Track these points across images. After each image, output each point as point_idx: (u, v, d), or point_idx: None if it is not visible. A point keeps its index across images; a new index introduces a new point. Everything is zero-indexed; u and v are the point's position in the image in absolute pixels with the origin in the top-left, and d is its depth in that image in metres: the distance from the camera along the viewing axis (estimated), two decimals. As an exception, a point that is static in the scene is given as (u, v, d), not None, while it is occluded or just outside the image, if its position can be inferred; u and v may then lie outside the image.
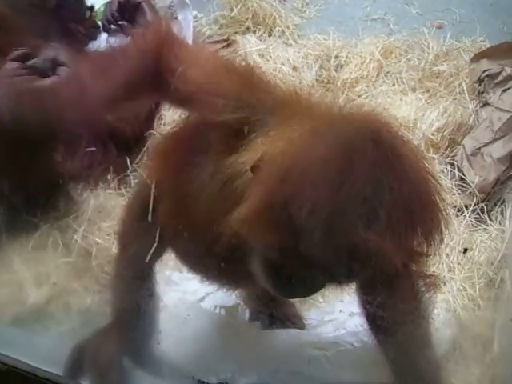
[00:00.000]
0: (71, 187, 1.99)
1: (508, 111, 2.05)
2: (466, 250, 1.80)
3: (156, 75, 1.18)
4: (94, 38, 2.39)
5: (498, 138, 2.01)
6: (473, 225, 1.89)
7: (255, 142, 1.07)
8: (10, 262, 1.72)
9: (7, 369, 1.20)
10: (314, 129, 1.02)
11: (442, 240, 1.05)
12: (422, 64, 2.40)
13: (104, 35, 2.43)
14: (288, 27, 2.59)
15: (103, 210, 1.89)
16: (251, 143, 1.07)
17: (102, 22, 2.44)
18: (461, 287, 1.71)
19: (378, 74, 2.42)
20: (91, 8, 2.41)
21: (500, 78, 2.17)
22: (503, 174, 1.96)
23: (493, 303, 1.68)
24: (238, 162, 1.07)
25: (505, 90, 2.12)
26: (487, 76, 2.20)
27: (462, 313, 1.67)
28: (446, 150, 2.09)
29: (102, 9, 2.46)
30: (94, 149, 2.04)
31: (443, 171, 2.02)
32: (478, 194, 1.93)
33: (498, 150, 1.98)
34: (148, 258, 1.27)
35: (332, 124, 1.03)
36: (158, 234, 1.27)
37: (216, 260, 1.18)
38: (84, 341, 1.36)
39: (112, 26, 2.44)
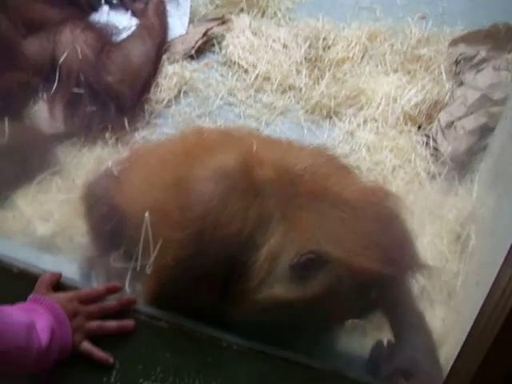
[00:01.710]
0: (72, 142, 2.14)
1: (481, 89, 2.21)
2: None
3: None
4: (96, 9, 2.53)
5: (471, 113, 2.17)
6: (444, 190, 2.05)
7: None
8: (16, 204, 1.85)
9: (19, 271, 1.33)
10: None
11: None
12: (405, 48, 2.55)
13: (106, 8, 2.56)
14: (280, 10, 2.74)
15: (101, 163, 2.01)
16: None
17: (105, -5, 2.58)
18: (430, 241, 1.86)
19: (362, 56, 2.57)
20: (95, -19, 2.55)
21: (475, 60, 2.33)
22: (474, 145, 2.12)
23: (459, 255, 1.84)
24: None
25: (479, 71, 2.29)
26: (464, 58, 2.36)
27: (430, 264, 1.82)
28: (422, 123, 2.25)
29: (105, -18, 2.59)
30: (95, 109, 2.18)
31: (419, 142, 2.18)
32: (450, 162, 2.09)
33: (470, 123, 2.14)
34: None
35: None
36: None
37: None
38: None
39: (114, 0, 2.58)
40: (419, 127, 2.17)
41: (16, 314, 1.09)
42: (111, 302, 1.28)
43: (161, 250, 1.24)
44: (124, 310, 1.28)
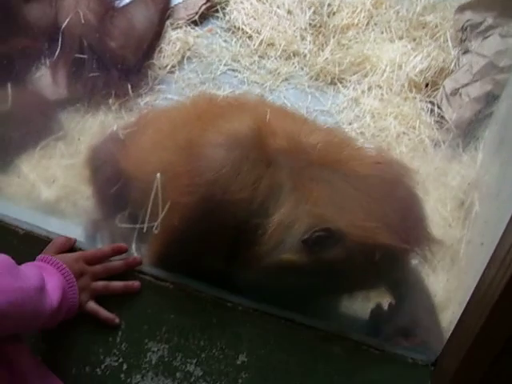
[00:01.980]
0: (75, 108, 2.13)
1: (487, 56, 2.19)
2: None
3: None
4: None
5: (476, 80, 2.15)
6: (448, 157, 2.04)
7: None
8: (20, 169, 1.86)
9: (24, 233, 1.34)
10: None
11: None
12: (410, 15, 2.52)
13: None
14: (284, -25, 2.70)
15: (104, 128, 2.01)
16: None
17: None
18: (434, 208, 1.87)
19: (367, 23, 2.54)
20: None
21: (482, 27, 2.31)
22: (479, 113, 2.11)
23: (462, 222, 1.84)
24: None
25: (485, 38, 2.27)
26: (470, 25, 2.33)
27: (433, 230, 1.83)
28: (427, 90, 2.23)
29: None
30: (98, 74, 2.17)
31: (424, 109, 2.18)
32: (454, 129, 2.08)
33: (476, 90, 2.13)
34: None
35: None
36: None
37: None
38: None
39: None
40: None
41: (27, 276, 1.09)
42: (117, 262, 1.28)
43: (168, 212, 1.24)
44: (130, 271, 1.28)
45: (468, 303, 1.10)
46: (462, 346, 1.06)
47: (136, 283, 1.27)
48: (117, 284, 1.26)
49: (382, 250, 1.16)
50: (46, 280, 1.12)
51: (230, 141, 1.23)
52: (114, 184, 1.43)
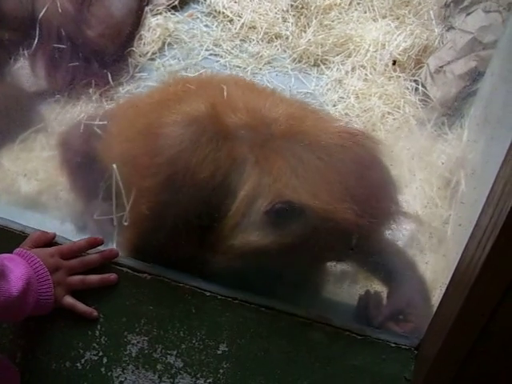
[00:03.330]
0: (55, 99, 2.10)
1: (470, 32, 2.16)
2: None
3: None
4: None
5: (460, 57, 2.12)
6: (433, 135, 2.02)
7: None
8: (0, 163, 1.83)
9: (0, 229, 1.31)
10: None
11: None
12: (393, -8, 2.49)
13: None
14: (264, -44, 2.66)
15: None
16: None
17: None
18: (420, 188, 1.85)
19: (350, 3, 2.50)
20: None
21: (465, 3, 2.27)
22: (463, 90, 2.08)
23: (448, 201, 1.82)
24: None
25: (469, 14, 2.23)
26: (453, 1, 2.30)
27: (420, 210, 1.81)
28: (411, 69, 2.21)
29: None
30: (77, 64, 2.14)
31: (408, 88, 2.15)
32: (439, 107, 2.05)
33: (460, 67, 2.10)
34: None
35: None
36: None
37: None
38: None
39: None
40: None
41: None
42: (93, 255, 1.26)
43: (135, 200, 1.22)
44: (106, 263, 1.26)
45: (448, 286, 1.08)
46: (443, 328, 1.05)
47: (112, 276, 1.25)
48: (93, 278, 1.25)
49: (344, 223, 1.15)
50: (9, 270, 1.10)
51: (186, 118, 1.23)
52: (83, 173, 1.41)
